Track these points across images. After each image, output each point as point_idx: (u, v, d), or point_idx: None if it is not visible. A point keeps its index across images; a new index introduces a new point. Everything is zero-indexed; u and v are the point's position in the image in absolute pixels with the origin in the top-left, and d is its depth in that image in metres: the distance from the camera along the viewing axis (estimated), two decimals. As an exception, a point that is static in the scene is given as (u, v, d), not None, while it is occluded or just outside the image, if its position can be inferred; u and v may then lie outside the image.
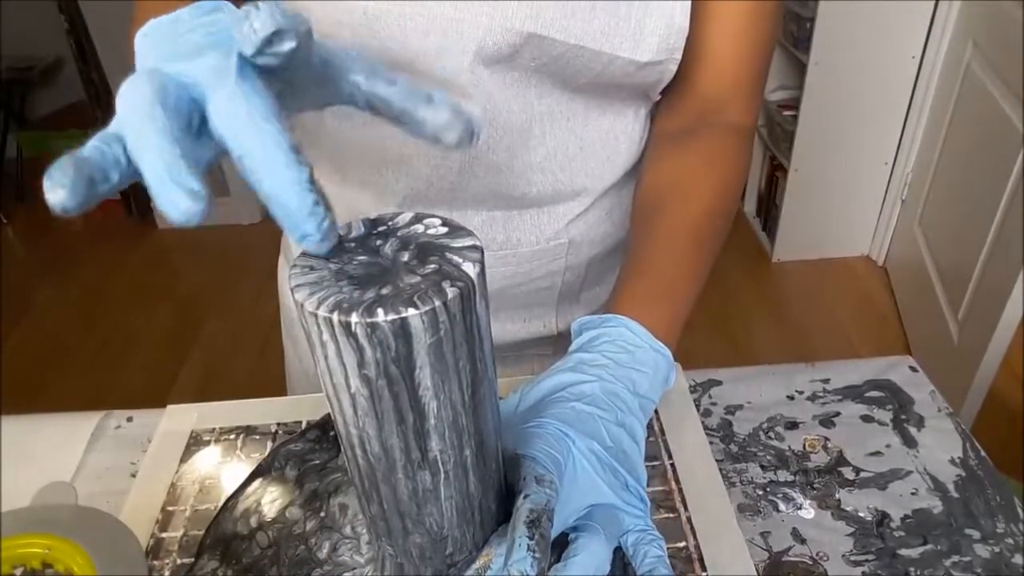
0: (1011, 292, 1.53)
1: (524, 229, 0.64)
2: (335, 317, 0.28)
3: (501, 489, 0.39)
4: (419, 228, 0.33)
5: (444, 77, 0.53)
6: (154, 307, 2.46)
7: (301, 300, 0.29)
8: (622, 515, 0.42)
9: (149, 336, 2.33)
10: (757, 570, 0.48)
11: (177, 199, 0.27)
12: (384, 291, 0.29)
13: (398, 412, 0.31)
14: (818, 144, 2.26)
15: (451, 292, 0.29)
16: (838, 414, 0.61)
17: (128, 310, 2.44)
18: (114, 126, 0.29)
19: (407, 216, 0.34)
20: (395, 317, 0.28)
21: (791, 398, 0.63)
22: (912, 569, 0.49)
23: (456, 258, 0.31)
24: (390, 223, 0.33)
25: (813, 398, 0.63)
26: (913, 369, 0.65)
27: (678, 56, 0.56)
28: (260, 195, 0.29)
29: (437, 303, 0.29)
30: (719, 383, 0.64)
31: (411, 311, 0.28)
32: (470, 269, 0.30)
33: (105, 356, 2.25)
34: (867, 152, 2.28)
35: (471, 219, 0.62)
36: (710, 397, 0.63)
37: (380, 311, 0.28)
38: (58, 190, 0.27)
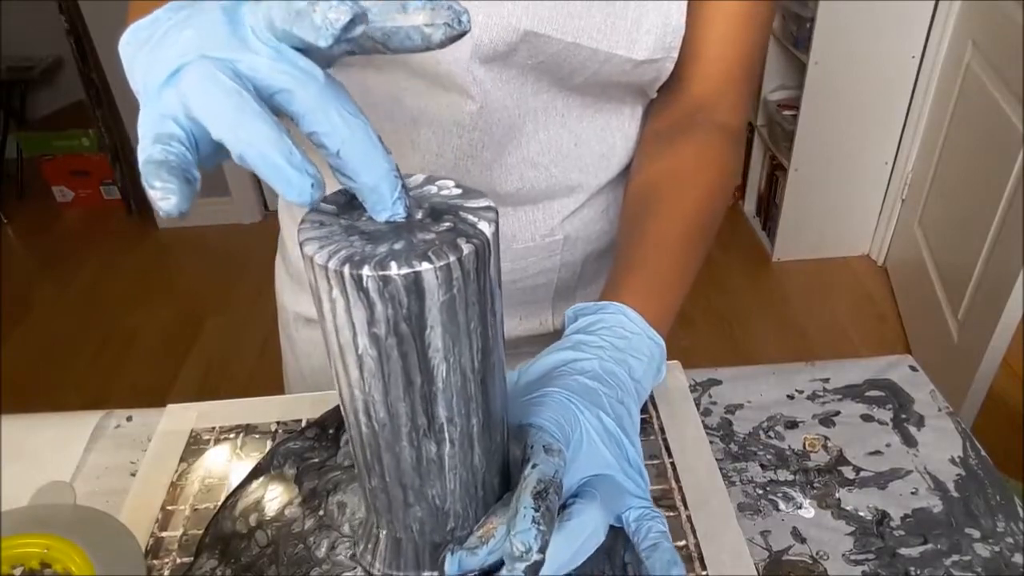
0: (1011, 292, 1.53)
1: (519, 226, 0.64)
2: (346, 270, 0.28)
3: (505, 465, 0.38)
4: (432, 189, 0.33)
5: (440, 73, 0.53)
6: (154, 307, 2.46)
7: (310, 254, 0.28)
8: (623, 490, 0.41)
9: (149, 336, 2.33)
10: (757, 569, 0.48)
11: (300, 184, 0.28)
12: (397, 246, 0.28)
13: (406, 374, 0.30)
14: (818, 144, 2.26)
15: (466, 248, 0.28)
16: (838, 413, 0.61)
17: (128, 310, 2.44)
18: (161, 122, 0.29)
19: (419, 177, 0.33)
20: (408, 271, 0.27)
21: (791, 397, 0.63)
22: (912, 568, 0.49)
23: (471, 217, 0.30)
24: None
25: (813, 397, 0.63)
26: (913, 368, 0.65)
27: (675, 55, 0.56)
28: (350, 184, 0.30)
29: (452, 258, 0.28)
30: (719, 382, 0.64)
31: (425, 265, 0.28)
32: (485, 228, 0.30)
33: (105, 356, 2.25)
34: (867, 152, 2.28)
35: None
36: (710, 396, 0.63)
37: (393, 264, 0.27)
38: (171, 197, 0.27)
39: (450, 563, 0.37)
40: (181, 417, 0.59)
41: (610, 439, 0.42)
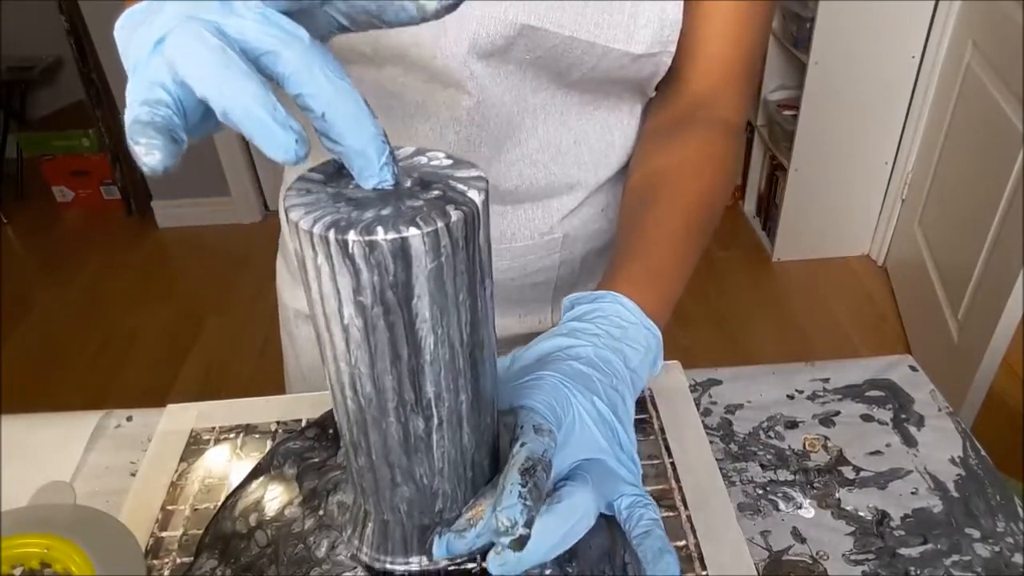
0: (1011, 292, 1.53)
1: (518, 224, 0.64)
2: (331, 235, 0.27)
3: (495, 447, 0.38)
4: (422, 160, 0.32)
5: (437, 69, 0.53)
6: (154, 307, 2.46)
7: (296, 219, 0.28)
8: (616, 476, 0.41)
9: (149, 336, 2.33)
10: (757, 569, 0.48)
11: (285, 140, 0.27)
12: (384, 212, 0.28)
13: (393, 346, 0.30)
14: (818, 144, 2.26)
15: (455, 215, 0.28)
16: (838, 413, 0.61)
17: (128, 310, 2.44)
18: (149, 88, 0.29)
19: (409, 149, 0.33)
20: (395, 236, 0.27)
21: (791, 397, 0.63)
22: (912, 568, 0.49)
23: (461, 186, 0.30)
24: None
25: (813, 397, 0.63)
26: (913, 368, 0.65)
27: (672, 49, 0.56)
28: (337, 148, 0.29)
29: (440, 224, 0.28)
30: (719, 382, 0.64)
31: (412, 230, 0.27)
32: (475, 196, 0.29)
33: (105, 356, 2.25)
34: (867, 152, 2.28)
35: None
36: (710, 396, 0.63)
37: (380, 229, 0.27)
38: (155, 153, 0.27)
39: (438, 546, 0.37)
40: (181, 417, 0.59)
41: (603, 424, 0.41)
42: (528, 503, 0.32)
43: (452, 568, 0.38)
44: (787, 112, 2.36)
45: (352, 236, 0.27)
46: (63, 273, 2.66)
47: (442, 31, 0.51)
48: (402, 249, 0.27)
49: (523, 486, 0.33)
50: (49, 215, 3.01)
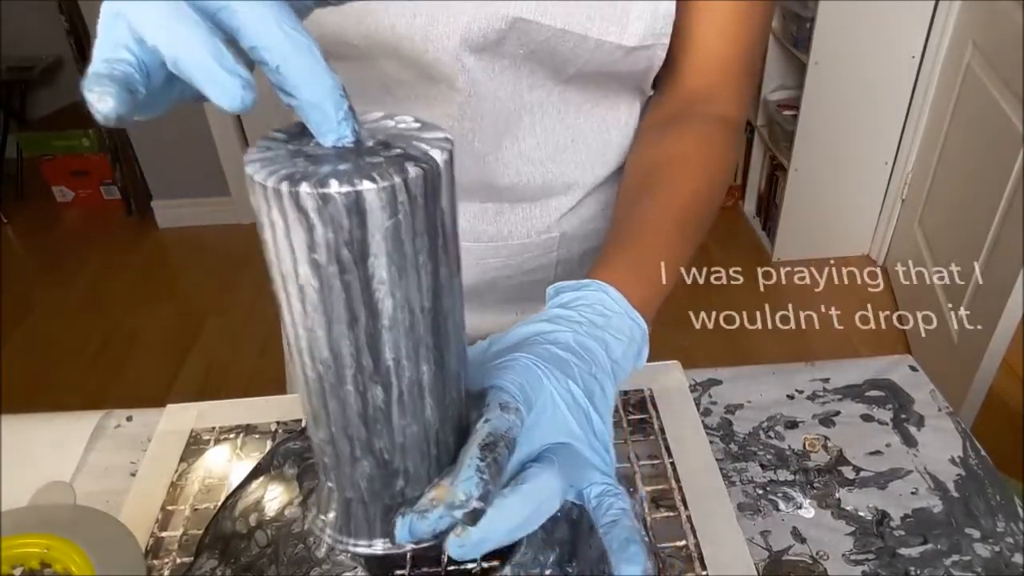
0: (1011, 292, 1.53)
1: (515, 222, 0.64)
2: (284, 188, 0.27)
3: (462, 427, 0.37)
4: (390, 123, 0.32)
5: (428, 63, 0.53)
6: (154, 307, 2.46)
7: (251, 173, 0.28)
8: (587, 464, 0.40)
9: (149, 336, 2.33)
10: (757, 569, 0.48)
11: (231, 87, 0.27)
12: (341, 167, 0.28)
13: (349, 308, 0.29)
14: (818, 144, 2.25)
15: (413, 172, 0.28)
16: (838, 413, 0.61)
17: (128, 310, 2.44)
18: (112, 49, 0.29)
19: (378, 114, 0.33)
20: (349, 190, 0.27)
21: (791, 397, 0.63)
22: (912, 568, 0.49)
23: (424, 146, 0.29)
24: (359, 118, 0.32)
25: (813, 397, 0.63)
26: (913, 369, 0.65)
27: (666, 41, 0.56)
28: (293, 102, 0.29)
29: (397, 180, 0.27)
30: (719, 382, 0.64)
31: (367, 184, 0.27)
32: (437, 155, 0.29)
33: (105, 356, 2.25)
34: (867, 152, 2.28)
35: (461, 211, 0.62)
36: (710, 396, 0.63)
37: (333, 182, 0.27)
38: (107, 99, 0.27)
39: (400, 527, 0.35)
40: (181, 417, 0.59)
41: (577, 409, 0.40)
42: (484, 477, 0.32)
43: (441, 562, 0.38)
44: (787, 112, 2.36)
45: (305, 188, 0.27)
46: (63, 273, 2.66)
47: (433, 24, 0.51)
48: (356, 203, 0.27)
49: (481, 460, 0.33)
50: (49, 215, 3.01)
